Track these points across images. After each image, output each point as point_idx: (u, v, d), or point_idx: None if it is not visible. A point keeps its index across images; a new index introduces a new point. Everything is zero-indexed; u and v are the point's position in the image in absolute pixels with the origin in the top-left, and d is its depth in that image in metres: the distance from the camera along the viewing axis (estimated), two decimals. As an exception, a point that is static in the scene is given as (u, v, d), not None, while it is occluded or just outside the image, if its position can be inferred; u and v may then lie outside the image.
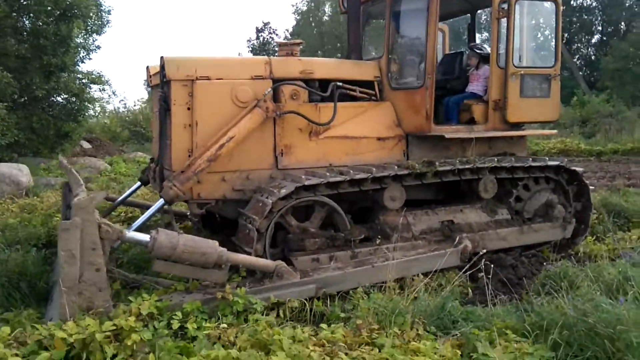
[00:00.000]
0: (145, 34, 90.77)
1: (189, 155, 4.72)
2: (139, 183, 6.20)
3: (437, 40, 5.45)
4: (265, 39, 39.06)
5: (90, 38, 15.97)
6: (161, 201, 4.53)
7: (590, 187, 6.06)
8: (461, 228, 5.43)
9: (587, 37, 36.46)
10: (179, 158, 4.72)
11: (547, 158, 5.93)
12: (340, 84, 5.34)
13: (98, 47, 16.59)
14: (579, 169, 5.97)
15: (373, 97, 5.69)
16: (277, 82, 5.05)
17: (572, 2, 34.12)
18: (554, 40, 5.99)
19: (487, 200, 5.66)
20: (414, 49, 5.75)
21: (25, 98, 13.92)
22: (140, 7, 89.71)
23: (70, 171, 5.65)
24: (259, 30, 39.26)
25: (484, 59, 6.06)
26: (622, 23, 34.79)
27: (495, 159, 5.49)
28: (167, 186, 4.49)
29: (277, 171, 5.07)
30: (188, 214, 5.42)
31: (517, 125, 5.98)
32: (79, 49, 15.25)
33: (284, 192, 4.47)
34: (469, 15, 6.93)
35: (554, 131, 7.08)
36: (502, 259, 5.46)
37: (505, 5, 5.64)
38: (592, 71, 34.54)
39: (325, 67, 5.50)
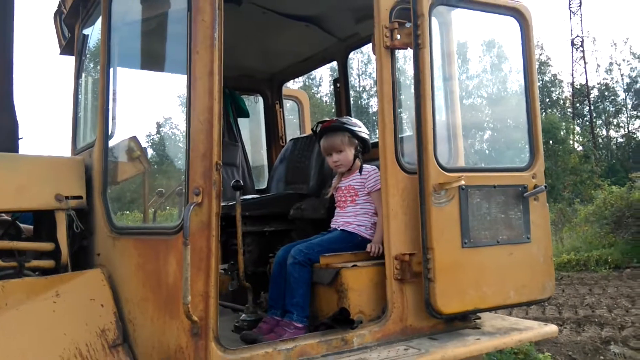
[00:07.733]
0: None
1: None
2: None
3: (219, 97, 1.83)
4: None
5: None
6: None
7: None
8: None
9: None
10: None
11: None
12: None
13: None
14: None
15: (37, 270, 2.00)
16: None
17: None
18: (524, 101, 2.54)
19: None
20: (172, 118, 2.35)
21: None
22: None
23: None
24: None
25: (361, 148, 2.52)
26: None
27: None
28: None
29: None
30: None
31: (463, 317, 2.33)
32: None
33: None
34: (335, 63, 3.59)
35: (554, 327, 2.77)
36: None
37: (407, 23, 2.21)
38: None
39: None
